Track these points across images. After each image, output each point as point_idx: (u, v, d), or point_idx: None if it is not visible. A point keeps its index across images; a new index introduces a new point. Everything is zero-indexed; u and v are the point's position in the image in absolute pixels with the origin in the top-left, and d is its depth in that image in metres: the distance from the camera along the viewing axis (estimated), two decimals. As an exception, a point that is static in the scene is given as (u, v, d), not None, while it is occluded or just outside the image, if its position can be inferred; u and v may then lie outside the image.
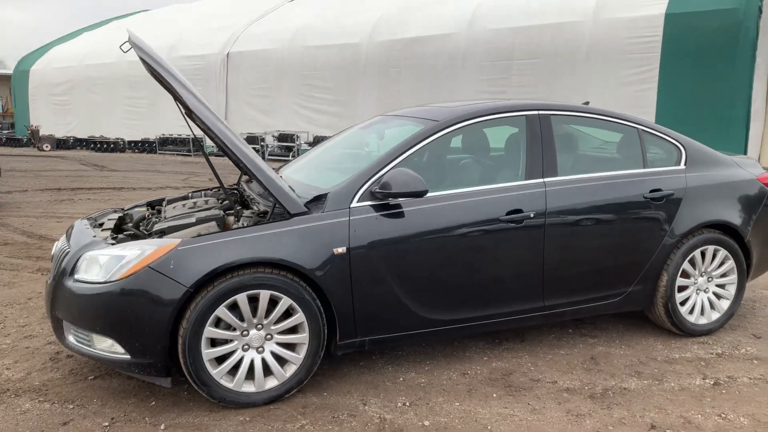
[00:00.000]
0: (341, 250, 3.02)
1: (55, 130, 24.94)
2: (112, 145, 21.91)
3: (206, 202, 3.79)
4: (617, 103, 12.93)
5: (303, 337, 3.02)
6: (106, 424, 2.84)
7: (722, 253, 3.86)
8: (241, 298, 2.87)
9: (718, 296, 3.94)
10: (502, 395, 3.13)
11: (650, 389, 3.19)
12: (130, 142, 22.05)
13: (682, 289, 3.83)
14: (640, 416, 2.90)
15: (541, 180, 3.48)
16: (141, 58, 2.97)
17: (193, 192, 4.25)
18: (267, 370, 3.01)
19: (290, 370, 3.04)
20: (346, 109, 17.19)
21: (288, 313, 3.00)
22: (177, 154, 20.29)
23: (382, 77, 16.61)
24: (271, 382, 3.02)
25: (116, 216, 3.73)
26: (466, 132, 3.61)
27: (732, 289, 3.94)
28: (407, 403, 3.03)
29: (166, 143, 20.91)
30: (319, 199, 3.14)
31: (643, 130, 3.85)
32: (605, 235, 3.57)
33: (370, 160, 3.33)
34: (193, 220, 3.22)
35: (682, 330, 3.83)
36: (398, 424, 2.84)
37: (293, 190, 3.20)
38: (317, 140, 17.00)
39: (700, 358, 3.58)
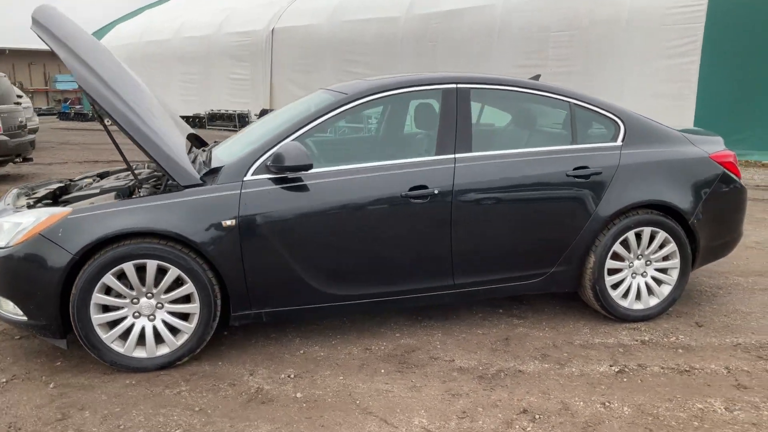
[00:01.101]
0: (230, 222, 3.07)
1: (121, 105, 26.06)
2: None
3: (139, 174, 3.91)
4: (656, 76, 12.28)
5: (194, 307, 3.10)
6: (5, 380, 3.03)
7: (661, 235, 3.64)
8: (128, 267, 2.97)
9: (658, 281, 3.74)
10: (391, 371, 3.11)
11: (547, 373, 3.09)
12: (182, 117, 22.78)
13: (614, 271, 3.66)
14: (518, 399, 2.83)
15: (451, 156, 3.38)
16: (39, 36, 3.08)
17: (137, 165, 4.38)
18: (160, 338, 3.11)
19: (182, 338, 3.13)
20: (383, 85, 17.09)
21: (179, 283, 3.08)
22: (224, 129, 20.83)
23: (418, 52, 16.39)
24: (163, 350, 3.12)
25: (56, 186, 3.90)
26: (386, 105, 3.55)
27: (674, 274, 3.72)
28: (292, 375, 3.07)
29: (215, 119, 21.51)
30: (215, 172, 3.19)
31: (575, 104, 3.66)
32: (522, 214, 3.45)
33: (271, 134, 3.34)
34: (97, 191, 3.34)
35: (614, 314, 3.67)
36: (272, 394, 2.89)
37: (194, 163, 3.25)
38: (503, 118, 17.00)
39: (621, 344, 3.43)
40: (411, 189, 3.26)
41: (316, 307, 3.30)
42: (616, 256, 3.63)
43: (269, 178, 3.16)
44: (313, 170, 3.20)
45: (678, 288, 3.74)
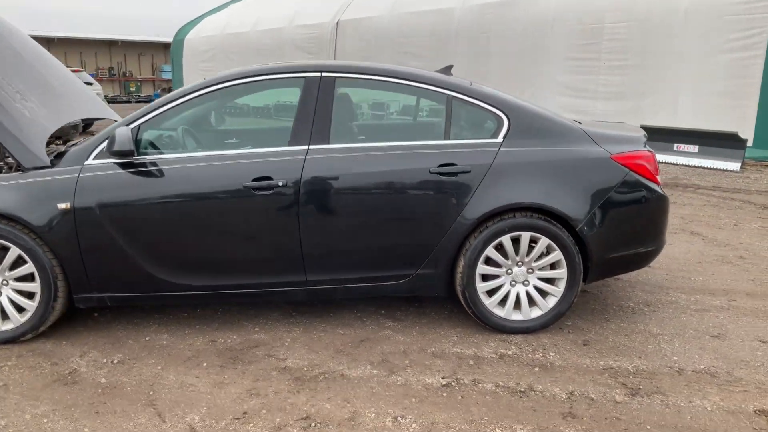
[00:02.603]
0: (64, 205, 3.11)
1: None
2: (237, 110, 23.59)
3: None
4: (715, 72, 11.24)
5: (35, 286, 3.19)
6: None
7: (544, 241, 3.32)
8: (-31, 244, 3.10)
9: (543, 292, 3.42)
10: (214, 366, 3.05)
11: (369, 380, 2.90)
12: (253, 108, 23.58)
13: (489, 278, 3.38)
14: (311, 405, 2.68)
15: (304, 147, 3.25)
16: None
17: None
18: (4, 313, 3.23)
19: (25, 316, 3.23)
20: (436, 77, 16.83)
21: (20, 263, 3.17)
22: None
23: (472, 44, 15.99)
24: (7, 325, 3.23)
25: None
26: (247, 94, 3.48)
27: (561, 286, 3.39)
28: (115, 361, 3.09)
29: (281, 110, 22.06)
30: (62, 155, 3.25)
31: (455, 97, 3.40)
32: (378, 211, 3.25)
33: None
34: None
35: (487, 324, 3.40)
36: (81, 378, 2.92)
37: (45, 146, 3.33)
38: (405, 109, 16.86)
39: (477, 356, 3.16)
40: (254, 180, 3.17)
41: (158, 295, 3.29)
42: (492, 262, 3.35)
43: (109, 164, 3.18)
44: (156, 157, 3.19)
45: (564, 301, 3.39)
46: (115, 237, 3.16)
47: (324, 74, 3.36)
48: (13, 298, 3.22)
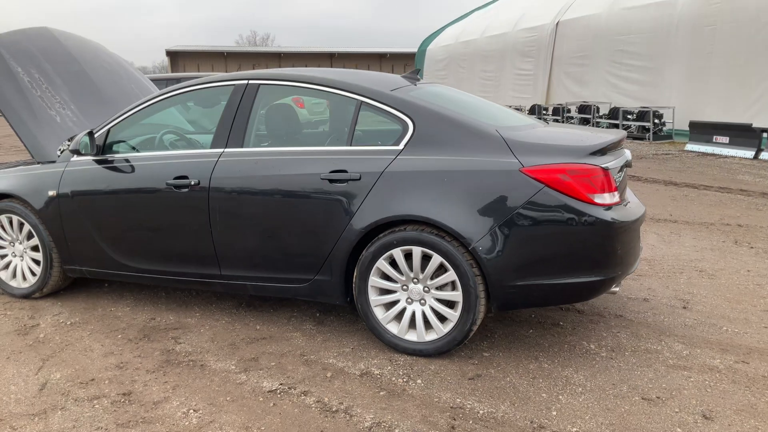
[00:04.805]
0: (52, 193, 3.86)
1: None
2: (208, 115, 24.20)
3: None
4: None
5: (39, 256, 4.01)
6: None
7: (436, 259, 3.03)
8: (4, 218, 4.05)
9: (441, 315, 3.12)
10: (128, 339, 3.48)
11: (216, 373, 3.03)
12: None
13: (386, 292, 3.21)
14: (144, 380, 2.93)
15: (219, 150, 3.49)
16: None
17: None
18: (24, 276, 4.12)
19: (34, 279, 4.07)
20: (652, 77, 15.14)
21: (31, 237, 4.03)
22: (500, 124, 21.16)
23: (694, 39, 13.99)
24: (25, 285, 4.12)
25: None
26: (191, 101, 3.86)
27: (458, 309, 3.06)
28: (70, 323, 3.72)
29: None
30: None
31: (363, 102, 3.28)
32: (275, 214, 3.32)
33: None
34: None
35: (381, 339, 3.24)
36: (36, 329, 3.63)
37: (59, 147, 4.13)
38: (613, 112, 15.51)
39: (341, 370, 3.04)
40: (175, 178, 3.52)
41: (120, 273, 3.85)
42: (387, 276, 3.18)
43: (86, 161, 3.83)
44: (113, 156, 3.76)
45: (459, 327, 3.05)
46: (83, 221, 3.81)
47: (250, 81, 3.55)
48: (29, 265, 4.10)
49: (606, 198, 2.98)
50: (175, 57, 47.83)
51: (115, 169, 3.72)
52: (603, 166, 2.99)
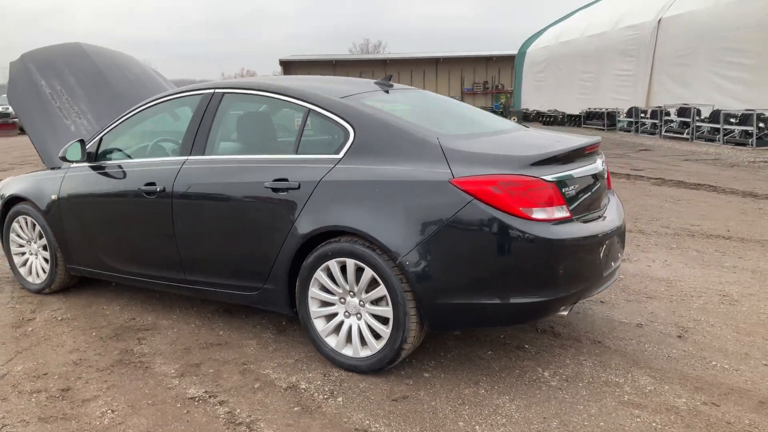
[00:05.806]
0: (54, 197, 4.16)
1: (538, 105, 27.86)
2: (551, 118, 23.34)
3: None
4: None
5: (48, 255, 4.33)
6: (-9, 279, 4.92)
7: (368, 272, 2.92)
8: (21, 219, 4.42)
9: (374, 330, 3.00)
10: (101, 336, 3.65)
11: (155, 376, 3.10)
12: (569, 116, 22.98)
13: (326, 304, 3.14)
14: (86, 374, 3.06)
15: (184, 158, 3.58)
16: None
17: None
18: (38, 274, 4.47)
19: (43, 276, 4.41)
20: (760, 77, 13.72)
21: (42, 238, 4.36)
22: (595, 128, 20.14)
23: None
24: (38, 281, 4.46)
25: None
26: (167, 111, 4.00)
27: (390, 326, 2.92)
28: (59, 318, 3.97)
29: (591, 117, 20.96)
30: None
31: (311, 110, 3.23)
32: (225, 222, 3.35)
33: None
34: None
35: (320, 352, 3.17)
36: (27, 319, 3.91)
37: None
38: (713, 116, 14.22)
39: (271, 382, 3.00)
40: (146, 184, 3.66)
41: (110, 274, 4.06)
42: (325, 288, 3.11)
43: (83, 167, 4.08)
44: (102, 162, 3.98)
45: (390, 345, 2.91)
46: (77, 223, 4.06)
47: (216, 91, 3.62)
48: (41, 263, 4.44)
49: (548, 213, 2.73)
50: (288, 66, 49.85)
51: (101, 174, 3.93)
52: (547, 178, 2.74)
